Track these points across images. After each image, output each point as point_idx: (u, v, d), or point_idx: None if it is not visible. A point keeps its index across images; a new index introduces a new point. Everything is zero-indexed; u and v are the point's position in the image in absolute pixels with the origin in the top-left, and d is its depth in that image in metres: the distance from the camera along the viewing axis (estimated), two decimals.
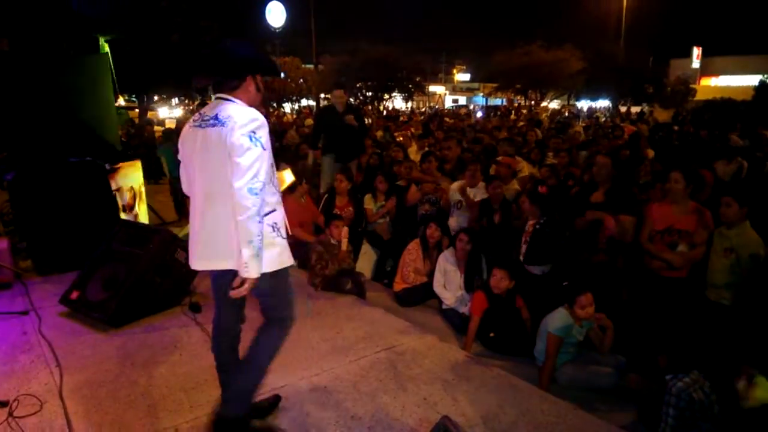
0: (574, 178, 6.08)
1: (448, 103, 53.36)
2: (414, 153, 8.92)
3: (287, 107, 33.97)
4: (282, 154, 9.35)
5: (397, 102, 34.43)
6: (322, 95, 29.61)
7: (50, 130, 5.05)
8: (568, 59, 32.90)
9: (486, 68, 41.14)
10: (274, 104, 33.54)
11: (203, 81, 2.69)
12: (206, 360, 3.47)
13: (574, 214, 5.06)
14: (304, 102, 34.71)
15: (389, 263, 5.94)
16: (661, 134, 13.09)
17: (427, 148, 8.74)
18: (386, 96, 29.29)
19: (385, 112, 26.24)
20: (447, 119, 20.06)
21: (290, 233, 2.56)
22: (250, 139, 2.23)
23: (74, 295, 4.19)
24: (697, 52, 35.95)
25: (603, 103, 40.09)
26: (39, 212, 5.10)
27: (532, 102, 37.40)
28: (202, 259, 2.46)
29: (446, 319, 4.85)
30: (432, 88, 48.23)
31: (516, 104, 38.14)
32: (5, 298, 4.42)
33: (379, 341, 3.89)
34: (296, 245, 5.65)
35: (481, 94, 53.14)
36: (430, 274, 5.14)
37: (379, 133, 12.38)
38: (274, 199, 2.40)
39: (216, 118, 2.31)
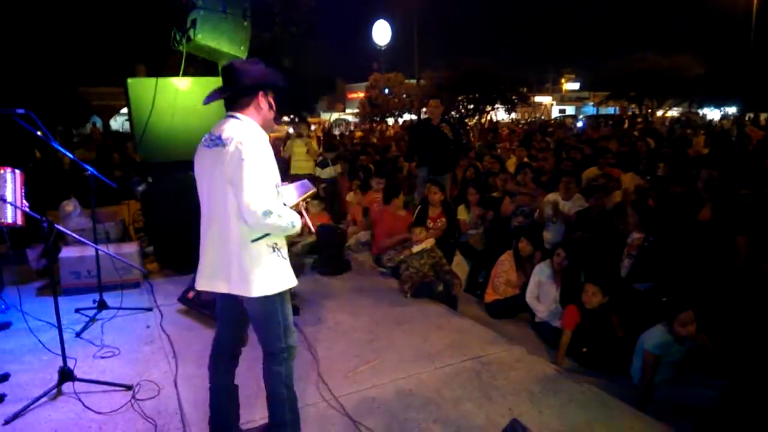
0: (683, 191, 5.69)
1: (555, 113, 51.57)
2: (512, 165, 8.82)
3: (390, 122, 34.75)
4: (382, 167, 9.64)
5: (501, 113, 33.91)
6: (424, 109, 30.01)
7: (177, 147, 5.65)
8: (688, 64, 30.56)
9: (597, 76, 39.32)
10: (377, 119, 34.47)
11: (214, 99, 2.45)
12: (301, 358, 3.70)
13: (680, 231, 4.76)
14: (406, 116, 35.27)
15: (482, 274, 5.93)
16: None
17: (525, 160, 8.61)
18: (488, 108, 28.92)
19: (487, 125, 26.00)
20: (551, 130, 19.44)
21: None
22: (247, 162, 2.20)
23: (190, 294, 4.65)
24: None
25: (729, 110, 36.69)
26: (164, 221, 5.72)
27: (649, 110, 35.10)
28: (203, 278, 2.51)
29: (538, 333, 4.76)
30: (538, 98, 46.92)
31: (629, 113, 36.04)
32: (134, 295, 4.99)
33: (465, 350, 3.93)
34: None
35: (591, 103, 50.81)
36: (523, 287, 5.08)
37: (478, 144, 12.36)
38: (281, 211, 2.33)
39: (219, 138, 2.31)
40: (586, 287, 4.25)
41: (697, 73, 29.83)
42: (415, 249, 5.17)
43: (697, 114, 35.29)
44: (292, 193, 2.62)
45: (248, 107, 2.41)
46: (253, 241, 2.33)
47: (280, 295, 2.42)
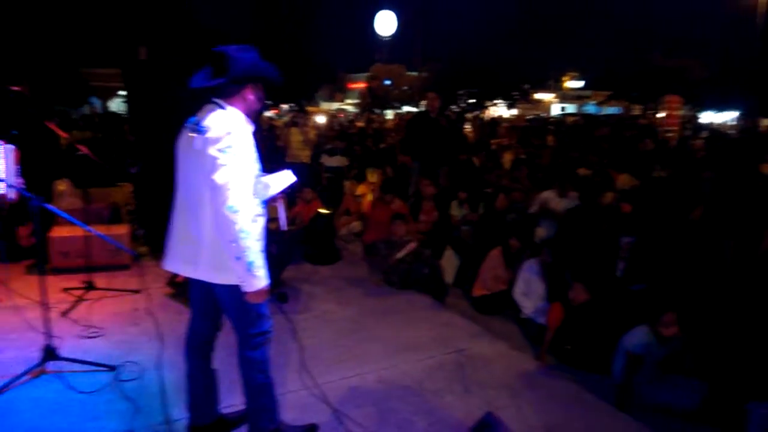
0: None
1: (557, 111, 51.38)
2: (508, 161, 8.84)
3: (390, 113, 34.65)
4: (377, 158, 9.65)
5: (501, 110, 33.86)
6: (422, 102, 29.89)
7: (171, 132, 5.64)
8: (692, 67, 30.52)
9: (600, 75, 39.18)
10: (377, 111, 34.39)
11: (202, 85, 2.35)
12: (286, 346, 3.75)
13: (668, 232, 4.79)
14: (405, 108, 35.20)
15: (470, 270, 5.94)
16: None
17: (522, 157, 8.63)
18: (488, 103, 28.89)
19: (487, 120, 25.93)
20: (550, 128, 19.40)
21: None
22: (224, 153, 2.17)
23: (179, 278, 4.66)
24: None
25: (730, 115, 36.59)
26: (156, 203, 5.70)
27: (650, 111, 35.06)
28: (171, 260, 2.47)
29: (522, 329, 4.77)
30: (539, 95, 46.68)
31: (629, 114, 35.98)
32: (123, 277, 5.00)
33: (449, 343, 3.96)
34: (373, 247, 5.91)
35: (593, 102, 50.63)
36: (510, 283, 5.09)
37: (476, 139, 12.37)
38: (256, 210, 2.32)
39: (198, 124, 2.26)
40: (574, 285, 4.27)
41: (700, 76, 29.80)
42: (399, 256, 5.25)
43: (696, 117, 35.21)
44: (275, 183, 2.56)
45: (234, 97, 2.35)
46: None
47: None
